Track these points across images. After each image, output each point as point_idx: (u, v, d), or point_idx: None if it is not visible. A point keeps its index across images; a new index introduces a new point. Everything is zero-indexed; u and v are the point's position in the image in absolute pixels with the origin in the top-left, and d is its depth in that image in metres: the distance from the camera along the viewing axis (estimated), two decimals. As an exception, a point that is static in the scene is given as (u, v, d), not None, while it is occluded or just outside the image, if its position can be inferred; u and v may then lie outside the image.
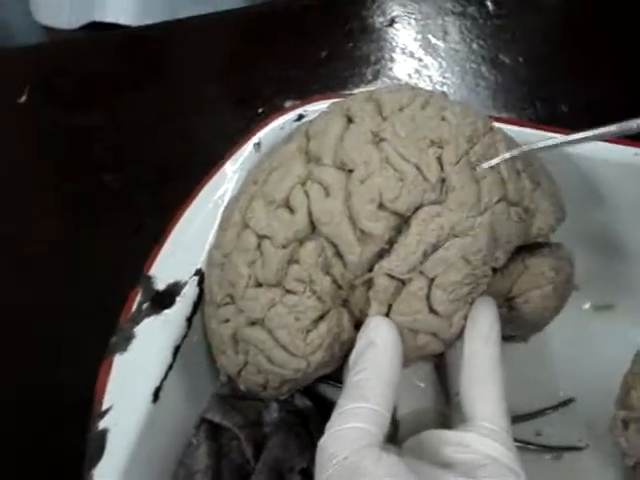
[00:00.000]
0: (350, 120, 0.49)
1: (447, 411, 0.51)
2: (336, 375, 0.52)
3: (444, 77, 0.82)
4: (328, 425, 0.42)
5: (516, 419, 0.58)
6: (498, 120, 0.55)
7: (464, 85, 0.81)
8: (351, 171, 0.46)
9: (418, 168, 0.45)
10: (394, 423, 0.51)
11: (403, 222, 0.46)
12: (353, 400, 0.42)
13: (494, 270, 0.49)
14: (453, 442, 0.42)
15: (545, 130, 0.57)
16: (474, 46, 0.84)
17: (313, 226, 0.47)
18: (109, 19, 1.03)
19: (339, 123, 0.49)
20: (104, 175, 0.80)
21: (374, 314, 0.47)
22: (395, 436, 0.50)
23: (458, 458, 0.41)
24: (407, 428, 0.49)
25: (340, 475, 0.38)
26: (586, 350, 0.62)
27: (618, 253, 0.63)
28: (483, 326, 0.46)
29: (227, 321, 0.49)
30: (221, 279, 0.50)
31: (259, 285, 0.47)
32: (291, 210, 0.47)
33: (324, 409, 0.57)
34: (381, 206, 0.45)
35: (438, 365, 0.54)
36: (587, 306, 0.64)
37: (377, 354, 0.44)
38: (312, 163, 0.48)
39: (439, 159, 0.46)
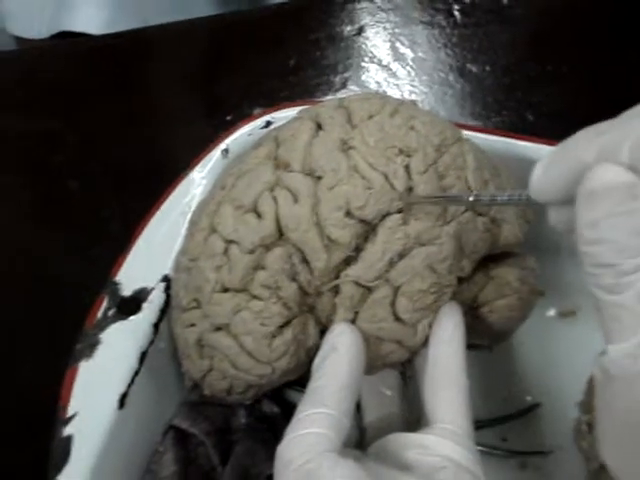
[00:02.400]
0: (320, 127, 0.50)
1: (414, 419, 0.51)
2: (304, 381, 0.52)
3: (412, 85, 0.83)
4: (287, 431, 0.42)
5: (482, 425, 0.59)
6: (466, 127, 0.55)
7: (432, 93, 0.82)
8: (320, 178, 0.47)
9: (386, 176, 0.46)
10: (361, 430, 0.52)
11: (370, 230, 0.46)
12: (312, 405, 0.42)
13: (460, 279, 0.49)
14: (415, 445, 0.42)
15: (512, 137, 0.58)
16: (442, 55, 0.85)
17: (280, 232, 0.46)
18: (78, 29, 1.02)
19: (308, 130, 0.49)
20: (69, 182, 0.79)
21: (340, 321, 0.47)
22: (362, 443, 0.50)
23: (419, 461, 0.41)
24: (374, 435, 0.49)
25: None
26: (552, 356, 0.62)
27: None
28: (446, 330, 0.47)
29: (192, 325, 0.49)
30: (188, 283, 0.50)
31: (225, 290, 0.47)
32: (259, 215, 0.47)
33: (292, 415, 0.57)
34: (348, 214, 0.45)
35: (405, 373, 0.54)
36: (552, 312, 0.65)
37: (338, 360, 0.45)
38: (281, 169, 0.48)
39: (407, 168, 0.47)
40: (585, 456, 0.53)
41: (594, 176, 0.30)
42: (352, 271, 0.46)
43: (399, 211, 0.46)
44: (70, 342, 0.52)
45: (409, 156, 0.47)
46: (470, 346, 0.51)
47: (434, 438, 0.42)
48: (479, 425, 0.58)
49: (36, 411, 0.55)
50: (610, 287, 0.30)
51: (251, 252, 0.46)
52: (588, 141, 0.31)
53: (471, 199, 0.41)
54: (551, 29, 0.87)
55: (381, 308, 0.46)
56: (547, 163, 0.33)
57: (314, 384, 0.44)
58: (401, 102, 0.51)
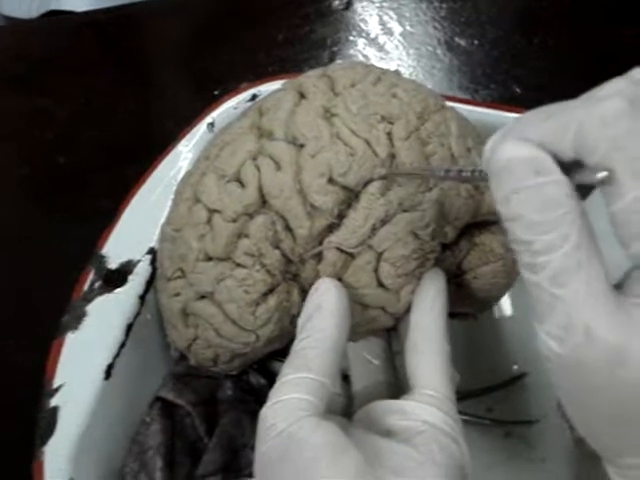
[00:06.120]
0: (302, 96, 0.49)
1: (401, 387, 0.51)
2: (289, 352, 0.52)
3: (400, 59, 0.83)
4: (270, 395, 0.41)
5: (468, 395, 0.59)
6: (454, 100, 0.55)
7: (420, 67, 0.82)
8: (302, 146, 0.46)
9: (368, 143, 0.46)
10: (349, 398, 0.52)
11: (353, 196, 0.46)
12: (296, 369, 0.42)
13: (443, 246, 0.49)
14: (395, 410, 0.42)
15: (500, 109, 0.58)
16: (430, 29, 0.85)
17: (263, 200, 0.46)
18: (67, 7, 1.02)
19: (291, 98, 0.49)
20: (58, 157, 0.79)
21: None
22: (350, 411, 0.50)
23: (399, 425, 0.41)
24: (361, 403, 0.49)
25: (279, 446, 0.38)
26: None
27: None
28: (428, 295, 0.47)
29: (177, 295, 0.49)
30: (172, 253, 0.50)
31: (209, 259, 0.47)
32: (242, 184, 0.47)
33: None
34: (331, 180, 0.45)
35: (391, 343, 0.54)
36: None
37: (323, 320, 0.44)
38: (264, 138, 0.48)
39: (389, 134, 0.46)
40: (569, 424, 0.53)
41: (499, 152, 0.30)
42: (335, 237, 0.46)
43: (381, 178, 0.46)
44: (57, 317, 0.52)
45: (391, 123, 0.47)
46: (455, 315, 0.51)
47: (414, 403, 0.42)
48: (465, 395, 0.59)
49: (24, 383, 0.55)
50: (529, 266, 0.30)
51: (234, 220, 0.46)
52: (536, 122, 0.30)
53: (441, 174, 0.41)
54: (538, 3, 0.87)
55: (364, 274, 0.46)
56: (497, 140, 0.32)
57: (298, 345, 0.43)
58: (384, 71, 0.51)
